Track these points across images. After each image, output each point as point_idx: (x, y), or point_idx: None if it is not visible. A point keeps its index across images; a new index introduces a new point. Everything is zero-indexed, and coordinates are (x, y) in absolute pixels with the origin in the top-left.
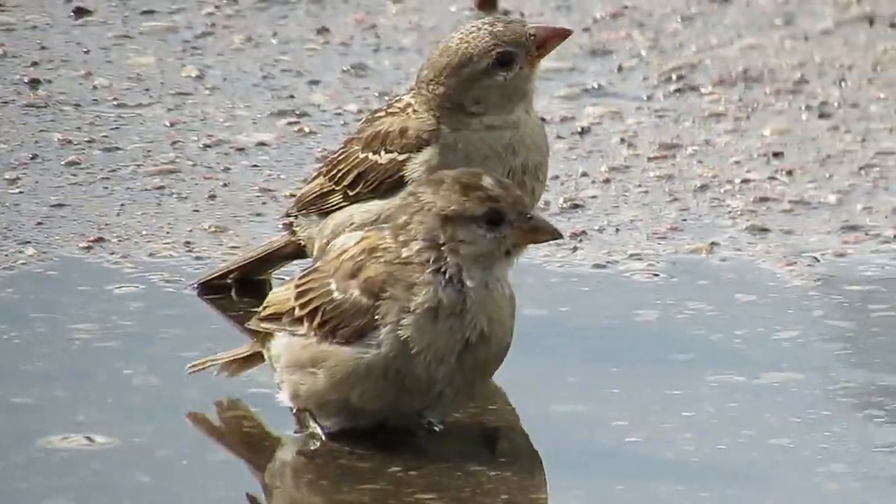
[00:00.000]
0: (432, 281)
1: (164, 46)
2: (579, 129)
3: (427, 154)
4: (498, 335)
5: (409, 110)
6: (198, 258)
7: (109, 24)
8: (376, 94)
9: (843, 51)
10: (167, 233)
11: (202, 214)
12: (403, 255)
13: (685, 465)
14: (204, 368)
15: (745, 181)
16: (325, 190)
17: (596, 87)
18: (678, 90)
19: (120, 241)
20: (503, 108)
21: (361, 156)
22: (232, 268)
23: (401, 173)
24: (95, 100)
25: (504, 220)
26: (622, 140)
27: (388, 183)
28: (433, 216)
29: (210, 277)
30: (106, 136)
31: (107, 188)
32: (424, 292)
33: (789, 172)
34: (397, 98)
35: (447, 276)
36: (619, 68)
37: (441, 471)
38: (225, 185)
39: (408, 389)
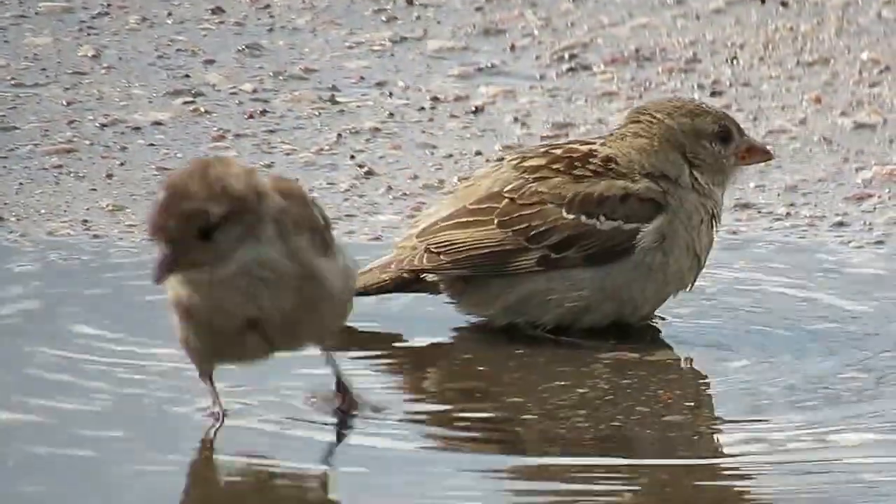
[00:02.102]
0: None
1: (61, 26)
2: (473, 109)
3: (658, 222)
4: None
5: (611, 166)
6: (95, 237)
7: (6, 4)
8: (271, 74)
9: (734, 30)
10: (65, 211)
11: (99, 193)
12: None
13: (580, 442)
14: None
15: None
16: (507, 245)
17: (489, 66)
18: (571, 69)
19: (19, 220)
20: (711, 178)
21: (568, 216)
22: None
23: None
24: None
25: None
26: (515, 119)
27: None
28: None
29: None
30: (3, 116)
31: (5, 167)
32: None
33: None
34: (591, 152)
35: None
36: (512, 48)
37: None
38: (122, 164)
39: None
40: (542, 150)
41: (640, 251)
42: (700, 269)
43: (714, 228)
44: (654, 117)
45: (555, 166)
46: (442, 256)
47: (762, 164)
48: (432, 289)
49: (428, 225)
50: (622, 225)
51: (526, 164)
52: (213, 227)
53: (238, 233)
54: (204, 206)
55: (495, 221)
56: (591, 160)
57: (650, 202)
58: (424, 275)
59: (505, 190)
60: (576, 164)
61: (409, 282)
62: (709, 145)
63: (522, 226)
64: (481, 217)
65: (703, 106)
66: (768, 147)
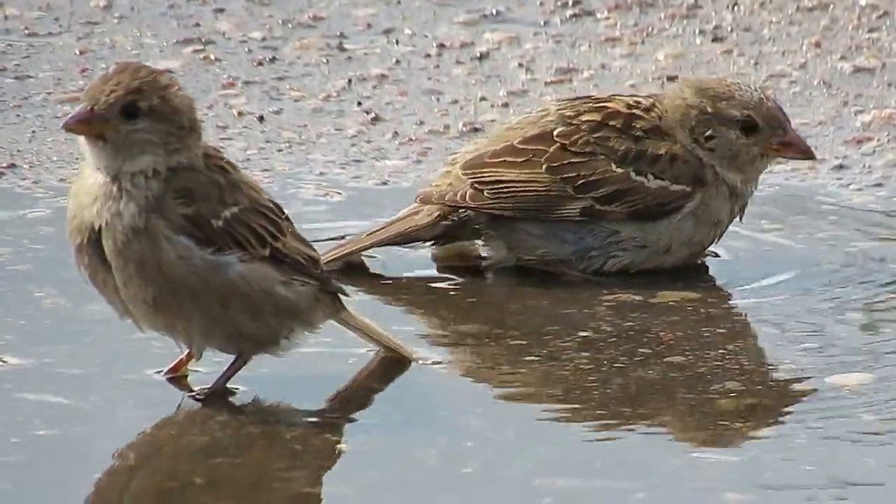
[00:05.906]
0: None
1: None
2: (478, 55)
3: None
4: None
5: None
6: None
7: None
8: (280, 22)
9: None
10: (77, 159)
11: None
12: None
13: (582, 384)
14: None
15: None
16: (553, 192)
17: (494, 13)
18: (574, 15)
19: (32, 167)
20: (721, 162)
21: (618, 170)
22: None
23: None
24: (7, 29)
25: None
26: (520, 65)
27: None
28: None
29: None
30: (17, 65)
31: (18, 116)
32: None
33: None
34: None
35: None
36: None
37: None
38: None
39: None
40: (593, 104)
41: (682, 214)
42: (717, 238)
43: (735, 209)
44: (681, 90)
45: (611, 123)
46: (486, 193)
47: (803, 161)
48: (472, 235)
49: (473, 158)
50: (670, 186)
51: (581, 118)
52: (140, 111)
53: (158, 135)
54: (145, 86)
55: (544, 167)
56: (639, 120)
57: (693, 170)
58: (465, 212)
59: (556, 133)
60: (633, 123)
61: (453, 229)
62: (726, 132)
63: (571, 174)
64: (530, 158)
65: (738, 91)
66: (810, 147)
